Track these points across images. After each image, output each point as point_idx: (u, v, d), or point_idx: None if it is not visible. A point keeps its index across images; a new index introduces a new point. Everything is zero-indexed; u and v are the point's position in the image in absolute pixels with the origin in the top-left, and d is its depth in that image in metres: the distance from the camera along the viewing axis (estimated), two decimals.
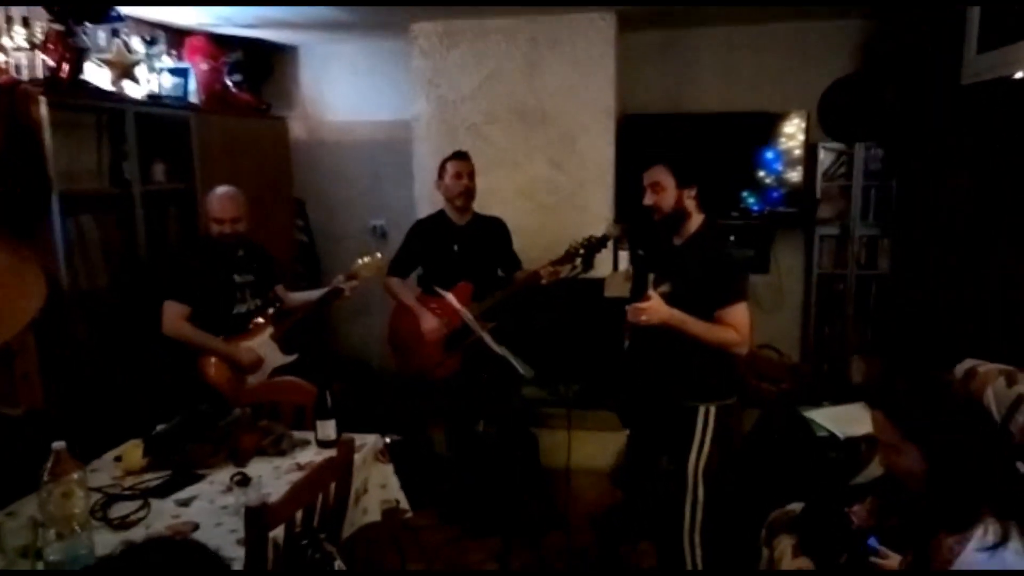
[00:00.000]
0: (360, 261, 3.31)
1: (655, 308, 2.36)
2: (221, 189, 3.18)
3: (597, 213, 4.38)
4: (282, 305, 3.41)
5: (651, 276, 2.56)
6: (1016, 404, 2.53)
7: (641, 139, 4.54)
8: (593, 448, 3.79)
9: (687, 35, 4.83)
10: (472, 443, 3.77)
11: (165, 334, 3.06)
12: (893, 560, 1.81)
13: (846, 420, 2.99)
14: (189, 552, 1.07)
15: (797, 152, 4.65)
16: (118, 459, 2.32)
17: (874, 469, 2.85)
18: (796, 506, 2.36)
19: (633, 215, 3.10)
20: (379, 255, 3.38)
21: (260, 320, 3.26)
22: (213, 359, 3.12)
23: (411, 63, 4.50)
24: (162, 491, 2.12)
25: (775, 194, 4.72)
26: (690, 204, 2.56)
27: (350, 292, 3.28)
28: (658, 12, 4.27)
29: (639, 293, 2.40)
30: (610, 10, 4.18)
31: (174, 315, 3.06)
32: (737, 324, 2.45)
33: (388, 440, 3.96)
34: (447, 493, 3.70)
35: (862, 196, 4.75)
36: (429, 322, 3.52)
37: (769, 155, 4.68)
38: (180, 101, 3.78)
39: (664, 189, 2.53)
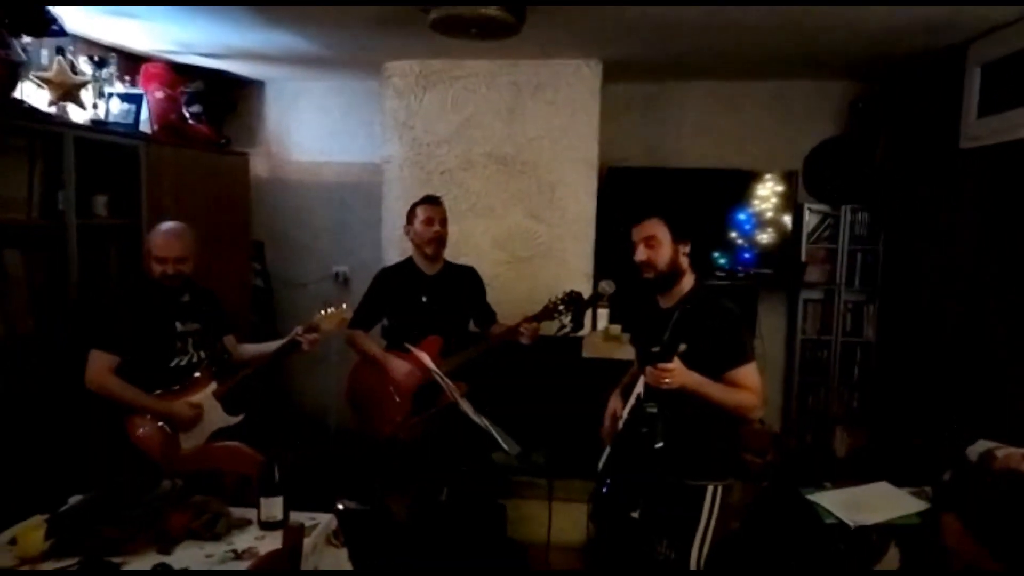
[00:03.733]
0: (322, 312, 2.93)
1: (679, 371, 2.16)
2: (166, 225, 2.83)
3: (576, 268, 4.14)
4: (231, 358, 3.04)
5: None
6: None
7: (624, 193, 4.34)
8: (564, 521, 3.46)
9: (670, 88, 4.70)
10: (435, 513, 3.45)
11: (88, 388, 2.65)
12: None
13: (855, 505, 2.71)
14: None
15: (783, 212, 4.49)
16: (13, 542, 1.92)
17: (889, 563, 2.58)
18: None
19: (617, 272, 2.89)
20: (344, 306, 3.01)
21: (198, 375, 2.85)
22: (143, 418, 2.71)
23: (384, 103, 4.25)
24: None
25: (754, 255, 4.54)
26: (684, 262, 2.38)
27: (308, 347, 2.89)
28: (644, 63, 4.12)
29: (667, 353, 2.16)
30: (596, 56, 4.00)
31: (100, 366, 2.66)
32: (750, 385, 2.27)
33: (341, 507, 3.63)
34: (406, 567, 3.32)
35: (848, 260, 4.61)
36: (399, 369, 3.19)
37: (753, 215, 4.52)
38: (129, 129, 3.45)
39: (660, 244, 2.35)
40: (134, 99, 3.53)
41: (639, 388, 2.39)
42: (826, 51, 3.75)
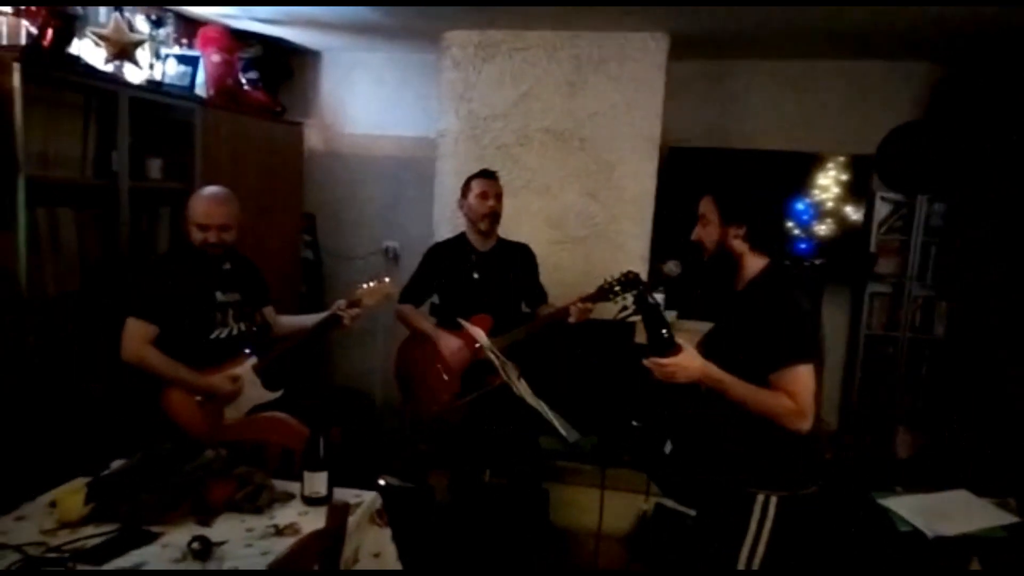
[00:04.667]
0: (364, 286, 2.81)
1: (684, 363, 1.94)
2: (209, 190, 2.68)
3: (632, 250, 3.97)
4: (271, 331, 2.94)
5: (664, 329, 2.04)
6: None
7: (685, 174, 4.15)
8: (608, 510, 3.34)
9: (736, 67, 4.50)
10: (477, 493, 3.38)
11: (124, 359, 2.55)
12: None
13: (932, 514, 2.53)
14: None
15: (852, 200, 4.26)
16: (53, 505, 1.88)
17: None
18: None
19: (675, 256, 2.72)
20: (387, 280, 2.89)
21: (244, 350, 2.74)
22: (181, 392, 2.59)
23: (441, 75, 4.13)
24: (98, 555, 1.67)
25: (814, 243, 4.32)
26: (738, 245, 2.13)
27: (350, 321, 2.77)
28: (710, 38, 3.91)
29: (659, 345, 1.94)
30: (663, 29, 3.81)
31: (137, 337, 2.53)
32: (796, 391, 1.94)
33: (383, 483, 3.58)
34: (446, 547, 3.26)
35: (921, 253, 4.36)
36: (450, 344, 3.10)
37: (816, 201, 4.30)
38: (185, 92, 3.40)
39: (709, 223, 2.16)
40: (190, 61, 3.48)
41: None
42: (908, 29, 3.50)
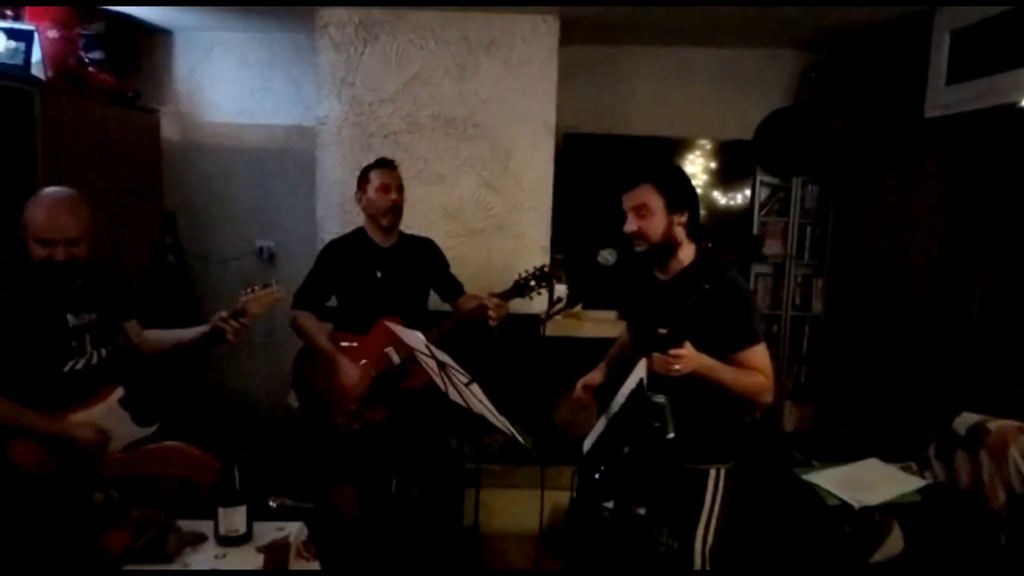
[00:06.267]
0: (248, 292, 2.37)
1: (690, 356, 1.95)
2: (51, 194, 2.15)
3: (533, 240, 3.86)
4: (139, 351, 2.46)
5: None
6: None
7: (581, 161, 4.09)
8: (522, 507, 3.24)
9: (622, 54, 4.50)
10: (386, 506, 3.15)
11: None
12: None
13: (855, 484, 2.59)
14: None
15: (736, 184, 4.40)
16: None
17: (893, 544, 2.47)
18: None
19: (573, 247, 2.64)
20: (275, 284, 2.46)
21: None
22: (28, 444, 2.07)
23: (319, 57, 3.81)
24: None
25: (708, 228, 4.43)
26: (679, 232, 2.15)
27: (235, 335, 2.32)
28: (598, 23, 3.86)
29: (677, 338, 1.94)
30: (553, 12, 3.71)
31: None
32: (762, 368, 2.07)
33: (274, 505, 3.25)
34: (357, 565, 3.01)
35: (798, 234, 4.56)
36: (350, 374, 2.83)
37: (707, 185, 4.40)
38: (18, 71, 2.89)
39: (652, 213, 2.12)
40: (23, 36, 2.97)
41: (641, 373, 2.15)
42: (778, 20, 3.63)
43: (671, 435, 2.02)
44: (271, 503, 3.28)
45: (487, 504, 3.49)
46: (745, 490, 2.91)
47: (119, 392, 2.30)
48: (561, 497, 3.45)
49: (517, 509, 3.47)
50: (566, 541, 3.30)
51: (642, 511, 2.15)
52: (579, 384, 2.45)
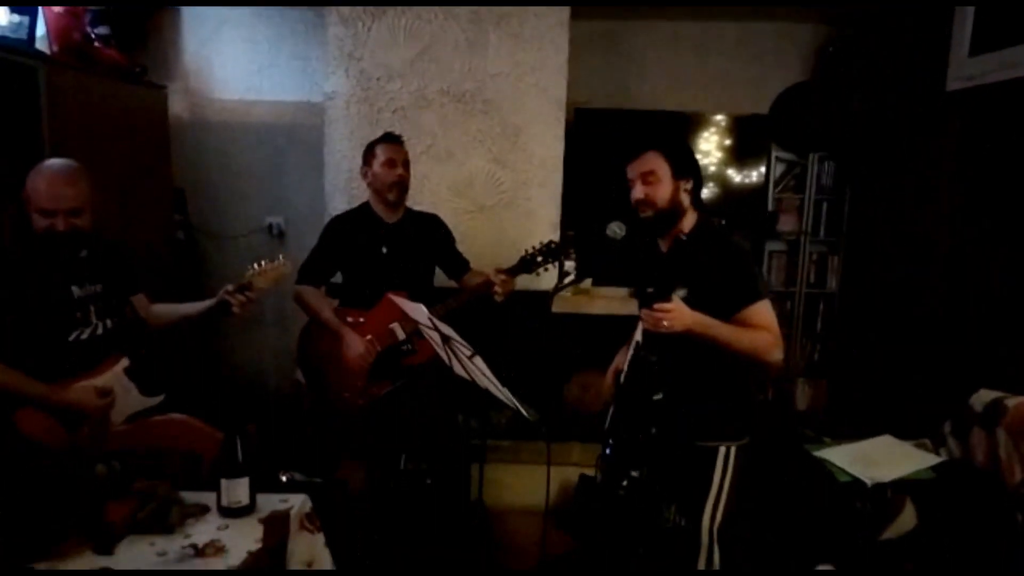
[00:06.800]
0: (255, 267, 2.41)
1: (679, 311, 1.92)
2: (51, 165, 2.16)
3: (543, 217, 3.80)
4: (146, 325, 2.49)
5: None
6: None
7: (593, 136, 4.03)
8: (531, 484, 3.24)
9: (634, 28, 4.41)
10: (396, 482, 3.17)
11: None
12: None
13: (867, 461, 2.55)
14: None
15: (751, 160, 4.32)
16: None
17: (905, 521, 2.43)
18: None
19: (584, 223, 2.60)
20: (282, 259, 2.51)
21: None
22: (35, 412, 2.10)
23: (326, 32, 3.76)
24: None
25: (721, 203, 4.37)
26: (685, 200, 2.16)
27: (240, 309, 2.36)
28: None
29: (663, 292, 1.92)
30: None
31: None
32: (767, 324, 2.02)
33: (285, 479, 3.26)
34: (365, 543, 3.02)
35: (813, 210, 4.48)
36: (355, 348, 2.81)
37: (720, 160, 4.33)
38: (23, 46, 2.87)
39: (659, 180, 2.12)
40: (27, 11, 2.94)
41: (637, 335, 2.14)
42: None
43: (658, 396, 2.02)
44: (282, 477, 3.29)
45: (494, 479, 3.49)
46: (756, 469, 2.89)
47: (124, 362, 2.32)
48: (569, 473, 3.48)
49: (524, 485, 3.46)
50: (575, 517, 3.30)
51: (635, 474, 2.14)
52: (610, 370, 2.44)
